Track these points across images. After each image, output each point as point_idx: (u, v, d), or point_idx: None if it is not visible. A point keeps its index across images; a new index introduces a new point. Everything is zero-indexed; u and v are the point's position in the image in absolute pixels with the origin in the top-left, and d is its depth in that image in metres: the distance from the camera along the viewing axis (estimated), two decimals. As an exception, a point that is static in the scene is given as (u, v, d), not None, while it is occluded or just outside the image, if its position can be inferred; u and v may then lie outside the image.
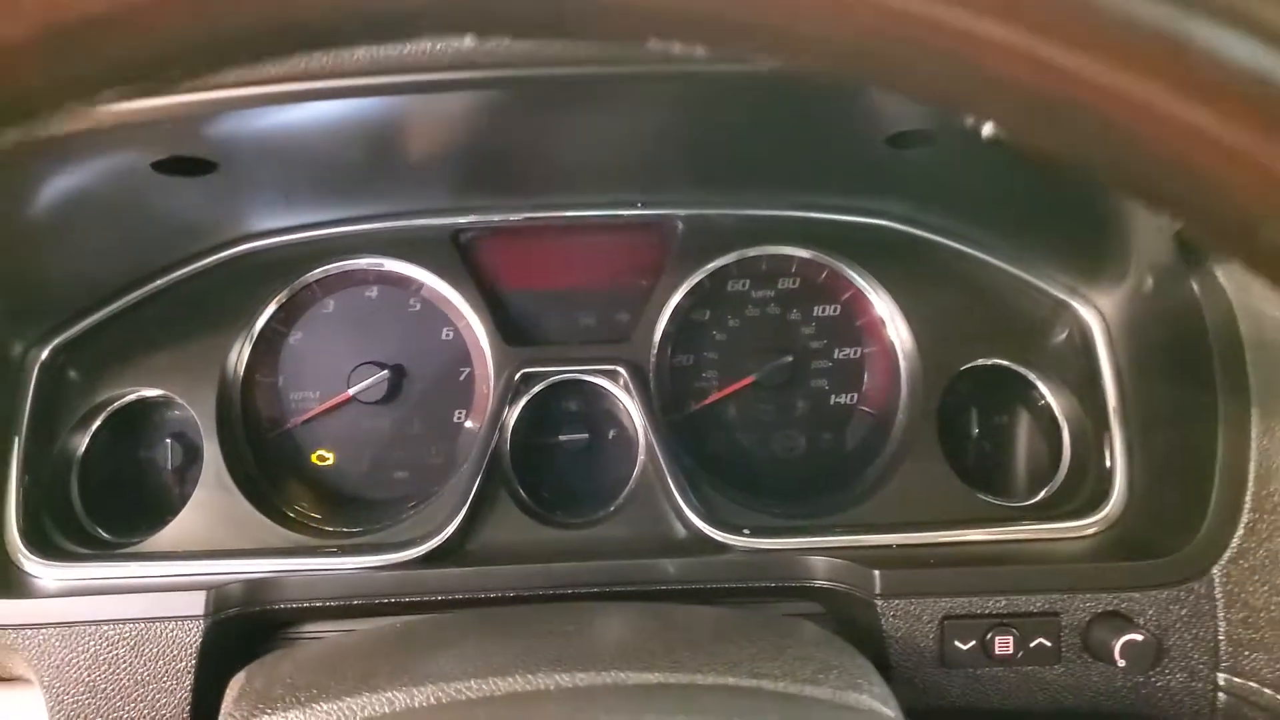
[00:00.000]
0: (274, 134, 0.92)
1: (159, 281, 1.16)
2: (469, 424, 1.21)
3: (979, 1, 0.25)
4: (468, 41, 0.28)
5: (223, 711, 0.79)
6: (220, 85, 0.78)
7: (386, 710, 0.71)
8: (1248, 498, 0.93)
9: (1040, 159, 0.29)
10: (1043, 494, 1.18)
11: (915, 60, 0.27)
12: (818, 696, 0.73)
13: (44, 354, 1.12)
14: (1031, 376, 1.18)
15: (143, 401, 1.16)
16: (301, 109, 0.85)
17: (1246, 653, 0.94)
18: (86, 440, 1.15)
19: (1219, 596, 0.94)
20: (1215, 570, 0.94)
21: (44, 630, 0.95)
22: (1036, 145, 0.29)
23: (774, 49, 0.28)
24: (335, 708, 0.72)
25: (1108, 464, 1.11)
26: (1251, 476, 0.93)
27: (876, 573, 0.98)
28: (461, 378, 1.22)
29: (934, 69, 0.27)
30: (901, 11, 0.26)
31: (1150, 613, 0.95)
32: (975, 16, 0.25)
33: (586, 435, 1.20)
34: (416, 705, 0.70)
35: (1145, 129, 0.26)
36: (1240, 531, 0.94)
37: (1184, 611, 0.95)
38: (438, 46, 0.77)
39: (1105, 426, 1.12)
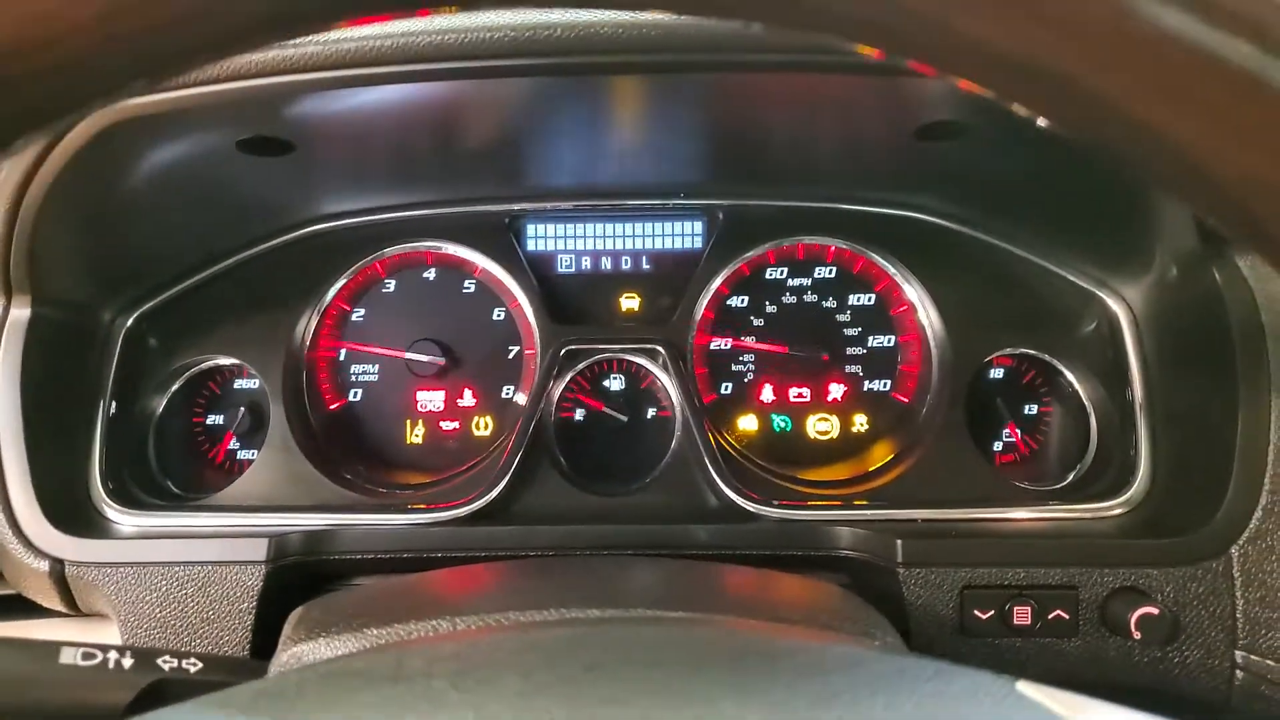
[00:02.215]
0: (345, 118, 1.00)
1: (234, 258, 1.25)
2: (517, 398, 1.28)
3: None
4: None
5: (283, 636, 0.86)
6: (294, 69, 0.86)
7: (431, 634, 0.77)
8: (1266, 480, 0.96)
9: (1080, 145, 0.32)
10: (1070, 478, 1.21)
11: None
12: (833, 640, 0.78)
13: (129, 323, 1.21)
14: (1059, 365, 1.21)
15: (216, 368, 1.25)
16: (370, 93, 0.93)
17: (1264, 631, 0.96)
18: (164, 403, 1.24)
19: (1237, 575, 0.96)
20: (1233, 550, 0.96)
21: (121, 569, 1.03)
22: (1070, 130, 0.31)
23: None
24: (385, 632, 0.78)
25: (1133, 450, 1.14)
26: (1271, 460, 0.95)
27: (899, 541, 1.01)
28: (511, 355, 1.29)
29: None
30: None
31: (1168, 589, 0.97)
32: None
33: (627, 411, 1.26)
34: (459, 629, 0.77)
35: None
36: (1259, 513, 0.96)
37: (1201, 589, 0.97)
38: (498, 33, 0.84)
39: (1131, 413, 1.14)
